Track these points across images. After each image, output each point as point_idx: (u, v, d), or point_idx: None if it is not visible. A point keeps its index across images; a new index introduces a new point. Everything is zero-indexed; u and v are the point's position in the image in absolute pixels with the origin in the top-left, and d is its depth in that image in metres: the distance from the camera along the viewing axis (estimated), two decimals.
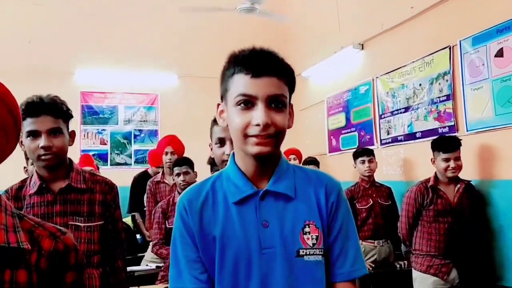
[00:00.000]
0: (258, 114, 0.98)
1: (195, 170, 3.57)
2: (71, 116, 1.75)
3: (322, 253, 1.04)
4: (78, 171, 1.76)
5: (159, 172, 4.30)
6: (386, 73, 4.25)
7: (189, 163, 3.51)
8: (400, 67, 4.05)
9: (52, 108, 1.64)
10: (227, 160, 1.65)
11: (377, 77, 4.39)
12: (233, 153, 1.12)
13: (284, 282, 1.01)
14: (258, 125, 0.98)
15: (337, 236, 1.07)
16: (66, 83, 5.53)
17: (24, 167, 3.17)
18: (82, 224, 1.69)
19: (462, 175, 3.04)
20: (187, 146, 4.33)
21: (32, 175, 1.73)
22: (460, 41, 3.37)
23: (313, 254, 1.03)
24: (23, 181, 1.76)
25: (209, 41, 5.99)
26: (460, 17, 3.42)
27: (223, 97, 1.08)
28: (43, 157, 1.62)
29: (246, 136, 1.01)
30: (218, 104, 1.12)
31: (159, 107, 6.12)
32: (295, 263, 1.02)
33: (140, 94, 6.07)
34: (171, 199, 3.55)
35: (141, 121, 6.07)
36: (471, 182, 3.08)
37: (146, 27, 5.86)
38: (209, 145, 1.83)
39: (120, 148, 5.97)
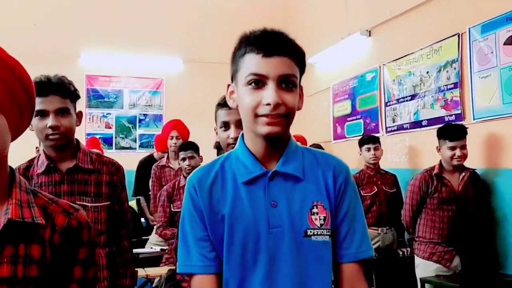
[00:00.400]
0: (269, 94, 0.98)
1: (200, 154, 3.58)
2: (79, 97, 1.76)
3: (329, 233, 1.05)
4: (85, 152, 1.77)
5: (164, 157, 4.31)
6: (393, 60, 4.22)
7: (194, 147, 3.52)
8: (407, 55, 4.02)
9: (60, 88, 1.65)
10: (232, 144, 1.66)
11: (384, 64, 4.36)
12: (242, 134, 1.13)
13: (292, 261, 1.02)
14: (268, 104, 0.98)
15: (344, 217, 1.08)
16: (71, 66, 5.51)
17: (36, 147, 3.18)
18: (89, 204, 1.70)
19: (468, 163, 3.04)
20: (191, 131, 4.34)
21: (40, 155, 1.74)
22: (469, 28, 3.33)
23: (320, 235, 1.04)
24: (31, 161, 1.77)
25: (215, 27, 5.95)
26: (470, 4, 3.38)
27: (233, 78, 1.08)
28: (51, 136, 1.63)
29: (256, 115, 1.01)
30: (228, 85, 1.12)
31: (164, 92, 6.11)
32: (303, 243, 1.03)
33: (145, 79, 6.06)
34: (176, 183, 3.57)
35: (146, 105, 6.07)
36: (476, 170, 3.08)
37: (153, 11, 5.83)
38: (214, 129, 1.83)
39: (125, 132, 5.98)
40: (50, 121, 1.60)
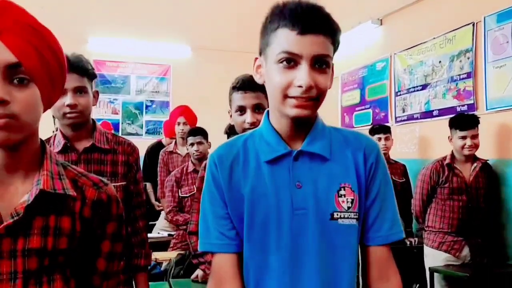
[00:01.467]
0: (302, 75, 0.94)
1: (209, 141, 3.57)
2: (96, 76, 1.75)
3: (356, 217, 1.00)
4: (101, 131, 1.76)
5: (172, 143, 4.30)
6: (405, 50, 4.17)
7: (203, 133, 3.51)
8: (419, 44, 3.98)
9: (78, 67, 1.63)
10: (248, 129, 1.63)
11: (395, 54, 4.32)
12: (267, 112, 1.09)
13: (316, 245, 0.98)
14: (300, 86, 0.94)
15: (375, 198, 1.03)
16: (79, 51, 5.30)
17: (53, 131, 3.15)
18: None
19: (480, 154, 3.02)
20: (198, 118, 4.32)
21: (56, 134, 1.73)
22: (484, 17, 3.29)
23: (347, 218, 0.99)
24: (47, 140, 1.76)
25: (224, 14, 5.91)
26: None
27: (262, 52, 1.04)
28: (68, 115, 1.61)
29: (285, 96, 0.96)
30: (256, 58, 1.07)
31: (171, 79, 6.08)
32: (329, 225, 0.99)
33: (152, 65, 6.02)
34: (184, 168, 3.56)
35: (153, 91, 6.04)
36: (488, 161, 3.06)
37: None
38: (228, 112, 1.81)
39: (131, 118, 5.96)
40: (68, 99, 1.59)
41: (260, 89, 1.58)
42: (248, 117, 1.66)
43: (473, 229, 2.98)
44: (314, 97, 0.97)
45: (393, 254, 1.06)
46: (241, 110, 1.68)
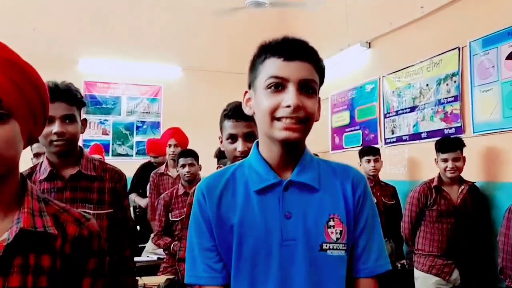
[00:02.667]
0: (289, 96, 0.96)
1: (200, 163, 3.56)
2: (84, 104, 1.75)
3: (345, 248, 1.01)
4: (88, 158, 1.76)
5: (159, 162, 4.31)
6: (393, 72, 4.24)
7: (194, 155, 3.49)
8: (407, 67, 4.04)
9: (67, 95, 1.64)
10: (239, 157, 1.63)
11: (383, 76, 4.38)
12: (257, 142, 1.10)
13: (305, 276, 0.97)
14: (288, 106, 0.96)
15: (363, 230, 1.04)
16: (70, 72, 5.48)
17: (32, 158, 3.13)
18: (92, 212, 1.68)
19: (467, 176, 3.04)
20: (189, 139, 4.32)
21: (42, 161, 1.73)
22: (470, 42, 3.36)
23: (336, 249, 1.00)
24: (33, 168, 1.76)
25: (214, 34, 5.97)
26: (471, 18, 3.41)
27: (251, 85, 1.07)
28: (55, 142, 1.61)
29: (273, 119, 0.98)
30: (245, 92, 1.09)
31: (162, 99, 6.10)
32: (318, 257, 0.99)
33: (143, 86, 6.05)
34: (174, 191, 3.54)
35: (143, 112, 6.05)
36: (475, 183, 3.08)
37: (151, 18, 5.83)
38: (219, 138, 1.81)
39: (122, 139, 5.95)
40: (56, 127, 1.59)
41: (251, 118, 1.61)
42: (239, 145, 1.65)
43: (463, 252, 2.98)
44: (302, 118, 0.98)
45: (384, 276, 1.07)
46: (232, 138, 1.68)
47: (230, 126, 1.67)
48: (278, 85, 0.98)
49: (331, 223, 1.01)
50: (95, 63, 5.76)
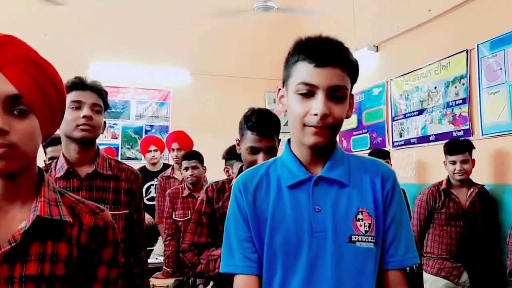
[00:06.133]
0: (317, 104, 0.99)
1: (204, 165, 3.53)
2: (108, 107, 1.75)
3: (374, 240, 1.04)
4: (104, 157, 1.74)
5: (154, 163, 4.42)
6: (401, 76, 4.24)
7: (198, 157, 3.45)
8: (415, 70, 4.05)
9: (97, 88, 1.67)
10: None
11: (391, 79, 4.39)
12: (289, 140, 1.14)
13: (333, 267, 1.01)
14: (316, 115, 0.99)
15: (391, 223, 1.07)
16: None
17: (44, 160, 3.16)
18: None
19: (476, 179, 3.03)
20: (197, 142, 4.32)
21: (57, 159, 1.71)
22: (478, 45, 3.36)
23: (365, 241, 1.03)
24: (48, 165, 1.75)
25: (223, 39, 6.01)
26: (478, 21, 3.41)
27: (284, 82, 1.10)
28: (82, 127, 1.60)
29: (303, 125, 1.02)
30: (279, 89, 1.13)
31: (171, 103, 6.14)
32: (347, 248, 1.02)
33: (152, 90, 6.09)
34: (179, 190, 3.52)
35: (152, 116, 6.09)
36: (484, 186, 3.07)
37: (161, 24, 5.89)
38: (236, 140, 1.80)
39: (131, 142, 6.00)
40: (85, 111, 1.60)
41: (275, 132, 1.67)
42: (260, 159, 1.65)
43: (472, 254, 2.96)
44: (330, 125, 1.01)
45: None
46: (254, 151, 1.68)
47: (253, 139, 1.67)
48: (308, 91, 1.01)
49: (360, 216, 1.05)
50: (105, 68, 5.82)
